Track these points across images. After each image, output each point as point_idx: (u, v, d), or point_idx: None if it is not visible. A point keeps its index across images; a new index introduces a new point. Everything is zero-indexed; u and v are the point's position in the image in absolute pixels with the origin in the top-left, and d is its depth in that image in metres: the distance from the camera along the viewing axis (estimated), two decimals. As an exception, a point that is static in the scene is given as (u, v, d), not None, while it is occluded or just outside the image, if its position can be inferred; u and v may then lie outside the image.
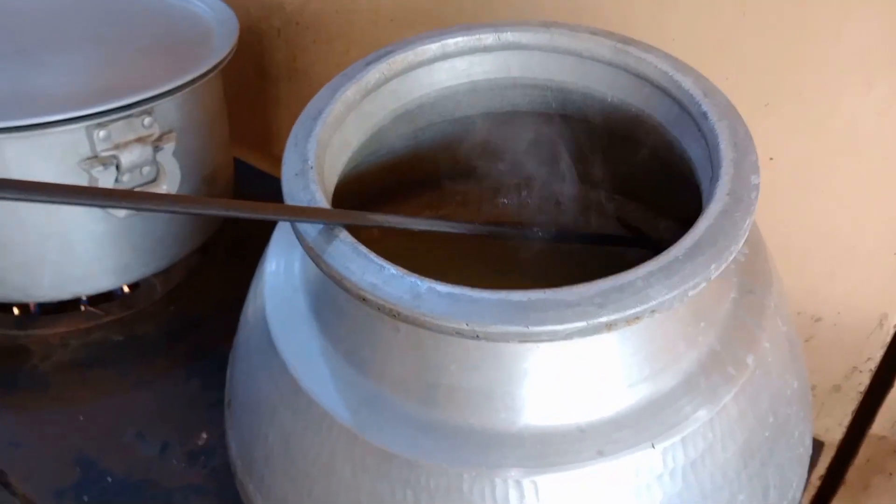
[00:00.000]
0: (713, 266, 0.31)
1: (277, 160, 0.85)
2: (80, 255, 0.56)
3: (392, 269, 0.31)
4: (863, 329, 0.54)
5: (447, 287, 0.30)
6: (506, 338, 0.29)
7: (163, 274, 0.62)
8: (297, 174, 0.35)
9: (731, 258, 0.31)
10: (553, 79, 0.44)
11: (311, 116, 0.39)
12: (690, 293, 0.30)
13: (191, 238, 0.62)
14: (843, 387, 0.57)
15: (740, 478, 0.34)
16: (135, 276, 0.59)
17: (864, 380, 0.56)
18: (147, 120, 0.52)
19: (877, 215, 0.50)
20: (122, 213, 0.54)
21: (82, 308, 0.61)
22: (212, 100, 0.60)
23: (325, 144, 0.38)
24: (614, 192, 0.57)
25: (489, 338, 0.29)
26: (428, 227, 0.36)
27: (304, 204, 0.34)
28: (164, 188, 0.55)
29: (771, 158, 0.51)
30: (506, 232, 0.41)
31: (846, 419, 0.58)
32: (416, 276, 0.31)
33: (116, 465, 0.50)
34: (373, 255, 0.31)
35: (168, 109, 0.54)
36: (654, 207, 0.55)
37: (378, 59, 0.42)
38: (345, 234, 0.33)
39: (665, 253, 0.31)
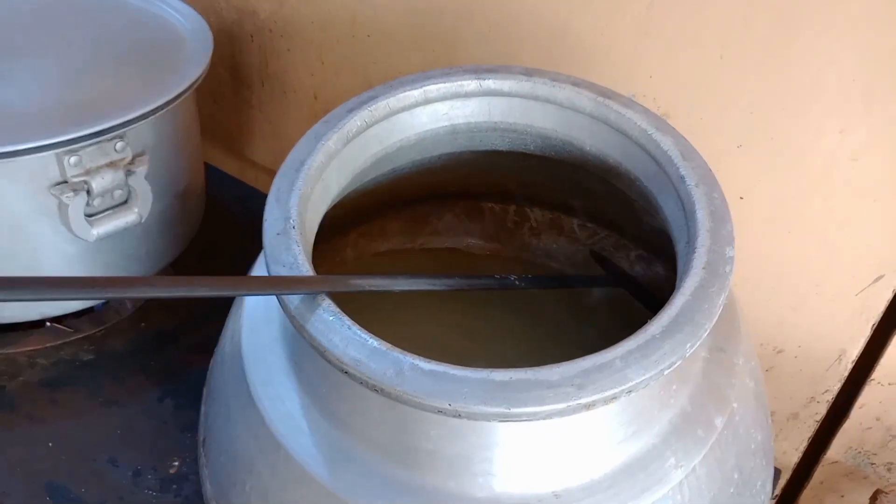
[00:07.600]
0: (689, 345, 0.32)
1: (248, 163, 0.85)
2: (48, 276, 0.55)
3: (375, 343, 0.31)
4: (822, 362, 0.56)
5: (430, 364, 0.31)
6: (487, 417, 0.30)
7: (133, 290, 0.61)
8: (279, 233, 0.35)
9: (705, 335, 0.32)
10: (533, 125, 0.44)
11: (293, 168, 0.38)
12: (666, 372, 0.31)
13: (165, 254, 0.61)
14: (801, 415, 0.59)
15: (707, 536, 0.36)
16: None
17: (820, 410, 0.58)
18: (119, 144, 0.51)
19: (844, 255, 0.51)
20: (92, 235, 0.53)
21: (47, 324, 0.60)
22: (186, 117, 0.59)
23: (307, 198, 0.38)
24: (587, 221, 0.58)
25: (471, 416, 0.30)
26: (408, 287, 0.37)
27: (287, 266, 0.34)
28: (135, 210, 0.54)
29: (741, 198, 0.52)
30: (484, 283, 0.41)
31: (802, 445, 0.60)
32: (400, 351, 0.31)
33: (88, 494, 0.50)
34: (356, 328, 0.32)
35: (141, 131, 0.53)
36: (625, 236, 0.56)
37: (360, 105, 0.41)
38: (328, 304, 0.33)
39: (642, 330, 0.32)
